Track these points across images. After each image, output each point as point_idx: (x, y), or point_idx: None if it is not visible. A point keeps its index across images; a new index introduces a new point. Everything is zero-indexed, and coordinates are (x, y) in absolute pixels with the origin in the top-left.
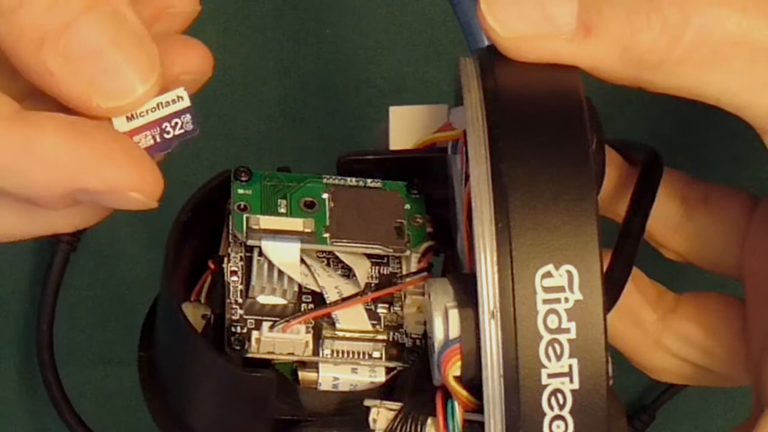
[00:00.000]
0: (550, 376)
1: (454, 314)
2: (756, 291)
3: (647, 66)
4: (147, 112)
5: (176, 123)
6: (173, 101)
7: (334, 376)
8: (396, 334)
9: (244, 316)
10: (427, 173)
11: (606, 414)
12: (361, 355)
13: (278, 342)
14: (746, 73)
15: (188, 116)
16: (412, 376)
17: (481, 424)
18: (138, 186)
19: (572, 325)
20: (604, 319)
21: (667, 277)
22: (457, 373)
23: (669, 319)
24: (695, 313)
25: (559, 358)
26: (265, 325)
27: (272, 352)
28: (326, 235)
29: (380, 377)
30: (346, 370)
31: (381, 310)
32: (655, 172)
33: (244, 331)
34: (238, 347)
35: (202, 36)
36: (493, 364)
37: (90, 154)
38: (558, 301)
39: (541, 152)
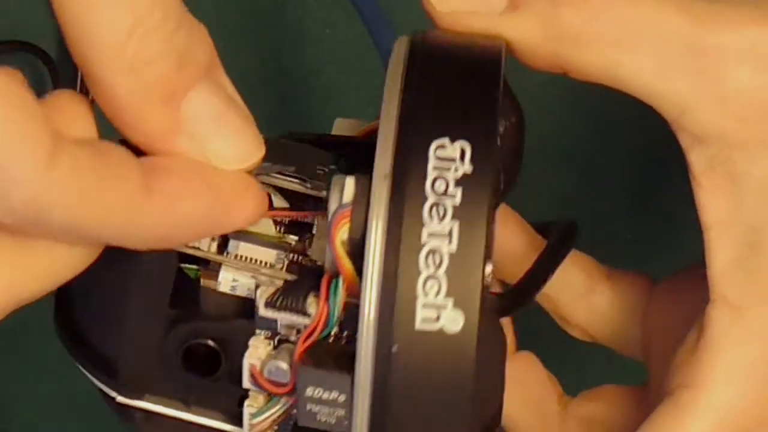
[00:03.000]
0: (430, 234)
1: (350, 181)
2: (656, 371)
3: (565, 42)
4: None
5: None
6: None
7: (233, 277)
8: (300, 257)
9: None
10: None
11: (480, 286)
12: (263, 264)
13: None
14: (658, 59)
15: None
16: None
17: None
18: (262, 207)
19: (458, 192)
20: (490, 194)
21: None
22: (345, 236)
23: (570, 406)
24: (595, 394)
25: (441, 219)
26: None
27: None
28: None
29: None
30: (246, 275)
31: (290, 237)
32: (571, 234)
33: None
34: None
35: None
36: (379, 220)
37: (234, 206)
38: (448, 169)
39: (455, 63)
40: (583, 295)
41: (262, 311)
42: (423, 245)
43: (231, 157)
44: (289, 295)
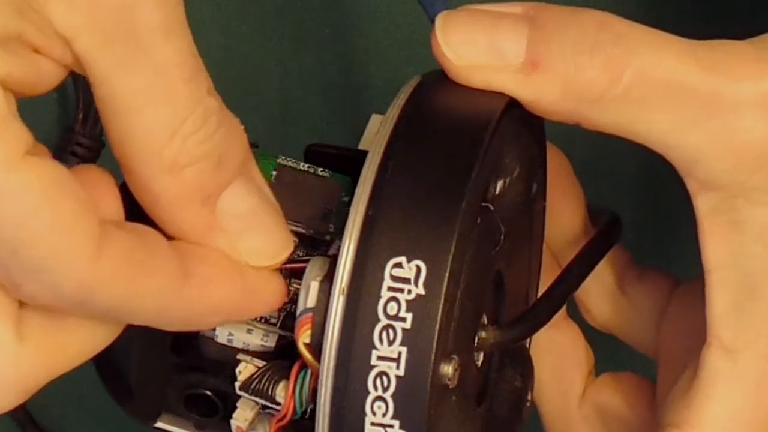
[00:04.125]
0: (379, 358)
1: (314, 286)
2: (667, 370)
3: (587, 101)
4: None
5: None
6: None
7: (230, 331)
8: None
9: None
10: None
11: (426, 406)
12: (259, 319)
13: None
14: (676, 113)
15: None
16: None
17: None
18: (282, 297)
19: (409, 316)
20: (440, 319)
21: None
22: (307, 340)
23: (590, 389)
24: (615, 382)
25: (390, 343)
26: None
27: None
28: None
29: (271, 343)
30: (242, 329)
31: (294, 285)
32: (613, 233)
33: None
34: None
35: (202, 36)
36: (333, 336)
37: (259, 297)
38: (402, 291)
39: (429, 158)
40: (611, 295)
41: (238, 391)
42: (372, 368)
43: (262, 254)
44: (262, 382)
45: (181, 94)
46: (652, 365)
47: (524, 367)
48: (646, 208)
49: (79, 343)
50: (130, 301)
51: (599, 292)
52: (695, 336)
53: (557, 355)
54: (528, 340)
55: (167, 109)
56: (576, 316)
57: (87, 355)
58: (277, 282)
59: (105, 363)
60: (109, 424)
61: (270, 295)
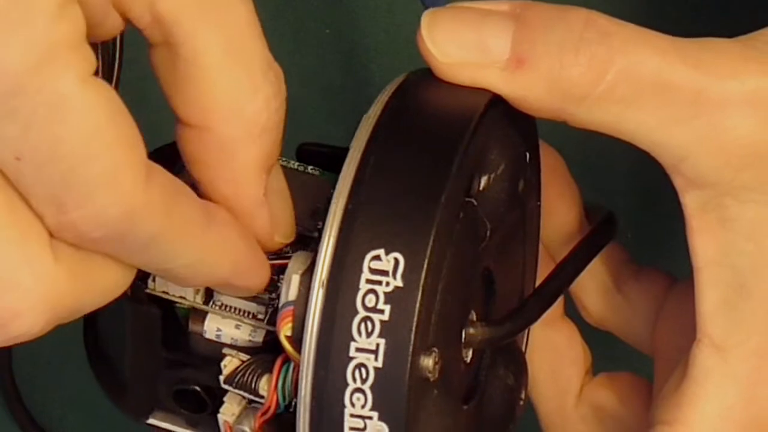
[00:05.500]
0: (358, 350)
1: (295, 279)
2: (663, 368)
3: (572, 99)
4: None
5: None
6: None
7: (218, 327)
8: None
9: None
10: None
11: (405, 398)
12: (246, 314)
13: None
14: (661, 111)
15: None
16: None
17: None
18: (264, 283)
19: (387, 308)
20: (418, 311)
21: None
22: (289, 333)
23: (586, 388)
24: (611, 382)
25: (369, 335)
26: None
27: (166, 292)
28: None
29: (258, 338)
30: (230, 325)
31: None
32: (607, 231)
33: None
34: (139, 281)
35: None
36: (313, 328)
37: (257, 265)
38: (380, 283)
39: (410, 153)
40: (607, 292)
41: (223, 385)
42: (351, 359)
43: (285, 232)
44: (246, 375)
45: (258, 52)
46: (649, 363)
47: (517, 365)
48: (643, 205)
49: (102, 280)
50: (163, 236)
51: (595, 290)
52: (690, 334)
53: (554, 353)
54: (525, 339)
55: (249, 66)
56: (574, 315)
57: (107, 296)
58: (268, 264)
59: (98, 359)
60: (108, 424)
61: (265, 268)
